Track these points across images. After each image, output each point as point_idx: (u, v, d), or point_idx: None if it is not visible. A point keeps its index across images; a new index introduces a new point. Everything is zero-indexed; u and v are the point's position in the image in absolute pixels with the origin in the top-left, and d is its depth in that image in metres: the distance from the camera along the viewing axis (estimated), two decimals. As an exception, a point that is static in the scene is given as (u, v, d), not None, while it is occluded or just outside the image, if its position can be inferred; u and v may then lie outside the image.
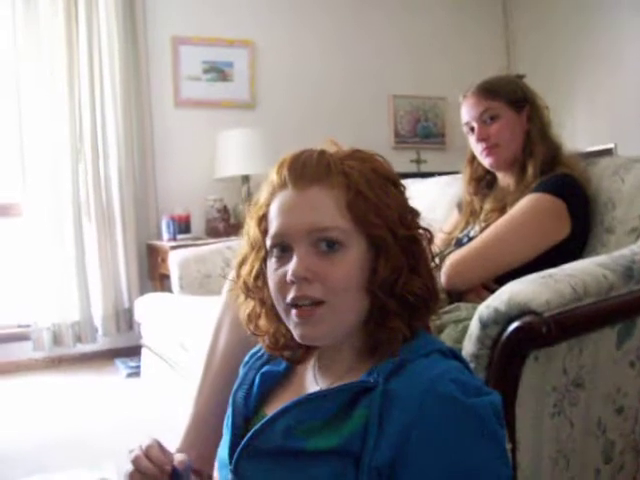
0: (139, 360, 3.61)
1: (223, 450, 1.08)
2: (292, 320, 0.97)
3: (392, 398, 0.88)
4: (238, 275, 1.08)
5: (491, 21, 5.33)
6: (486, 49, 5.16)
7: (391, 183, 1.01)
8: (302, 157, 1.00)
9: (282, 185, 0.99)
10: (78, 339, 4.10)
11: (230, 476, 1.02)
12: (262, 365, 1.14)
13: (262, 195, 1.04)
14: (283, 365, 1.11)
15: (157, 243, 4.15)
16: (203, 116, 4.45)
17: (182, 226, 4.13)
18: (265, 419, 0.99)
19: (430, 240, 1.04)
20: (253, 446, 0.99)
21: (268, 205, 1.02)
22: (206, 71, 4.46)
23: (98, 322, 4.15)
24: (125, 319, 4.18)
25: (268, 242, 1.00)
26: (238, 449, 1.00)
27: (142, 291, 3.95)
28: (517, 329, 1.18)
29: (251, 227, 1.05)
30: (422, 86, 5.05)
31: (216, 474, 1.23)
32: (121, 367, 3.93)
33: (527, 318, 1.18)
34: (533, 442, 1.28)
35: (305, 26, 4.75)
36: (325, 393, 0.97)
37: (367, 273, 0.97)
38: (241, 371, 1.18)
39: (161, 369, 3.13)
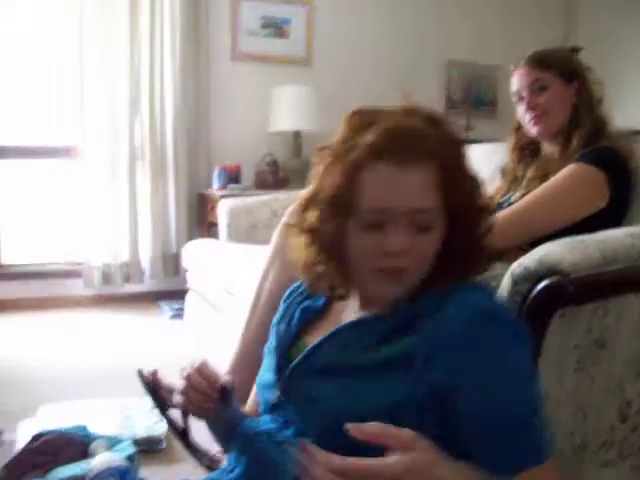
0: (183, 303, 3.76)
1: (266, 374, 1.17)
2: (376, 281, 1.04)
3: (441, 322, 0.97)
4: (301, 217, 1.12)
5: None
6: (545, 19, 5.11)
7: (464, 145, 1.09)
8: (407, 132, 1.01)
9: (383, 155, 0.99)
10: (126, 279, 4.28)
11: (277, 395, 1.11)
12: (302, 300, 1.23)
13: (355, 151, 1.02)
14: (321, 301, 1.20)
15: (207, 192, 4.27)
16: (259, 71, 4.53)
17: (232, 177, 4.24)
18: (322, 338, 1.08)
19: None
20: (307, 364, 1.08)
21: (362, 167, 1.01)
22: (264, 26, 4.53)
23: (146, 264, 4.32)
24: (172, 263, 4.33)
25: (361, 209, 1.01)
26: (290, 368, 1.09)
27: (190, 238, 4.07)
28: (545, 287, 1.26)
29: (336, 179, 1.04)
30: (477, 53, 5.04)
31: (253, 396, 1.33)
32: (165, 309, 4.09)
33: (555, 278, 1.25)
34: (554, 395, 1.37)
35: (364, -14, 4.77)
36: (379, 316, 1.05)
37: (441, 242, 1.05)
38: (281, 306, 1.28)
39: (205, 312, 3.26)
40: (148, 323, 3.88)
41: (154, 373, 1.24)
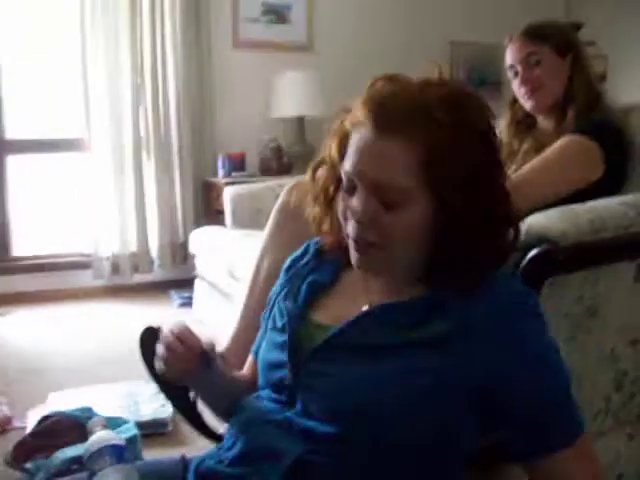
0: (192, 291, 3.78)
1: (272, 352, 1.12)
2: (351, 250, 1.03)
3: (474, 312, 0.97)
4: (314, 176, 1.14)
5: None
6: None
7: (483, 137, 0.99)
8: (390, 99, 0.97)
9: (363, 122, 0.98)
10: (135, 269, 4.31)
11: (287, 376, 1.06)
12: (307, 274, 1.18)
13: (350, 116, 1.02)
14: (328, 275, 1.16)
15: (213, 180, 4.29)
16: (261, 57, 4.53)
17: (237, 164, 4.26)
18: (345, 322, 1.04)
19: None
20: (331, 345, 1.03)
21: (351, 129, 1.01)
22: (264, 13, 4.53)
23: (154, 254, 4.35)
24: (180, 252, 4.36)
25: (343, 172, 1.01)
26: (310, 351, 1.04)
27: (197, 226, 4.08)
28: (534, 256, 1.26)
29: (332, 145, 1.07)
30: (480, 33, 5.01)
31: (248, 364, 1.32)
32: (175, 297, 4.12)
33: (544, 246, 1.26)
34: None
35: (364, -31, 4.75)
36: (399, 304, 1.03)
37: (432, 232, 0.98)
38: (283, 276, 1.25)
39: (213, 299, 3.29)
40: (157, 312, 3.90)
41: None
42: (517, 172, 1.81)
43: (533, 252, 1.27)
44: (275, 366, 1.10)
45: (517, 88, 1.98)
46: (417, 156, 0.94)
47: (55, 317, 3.81)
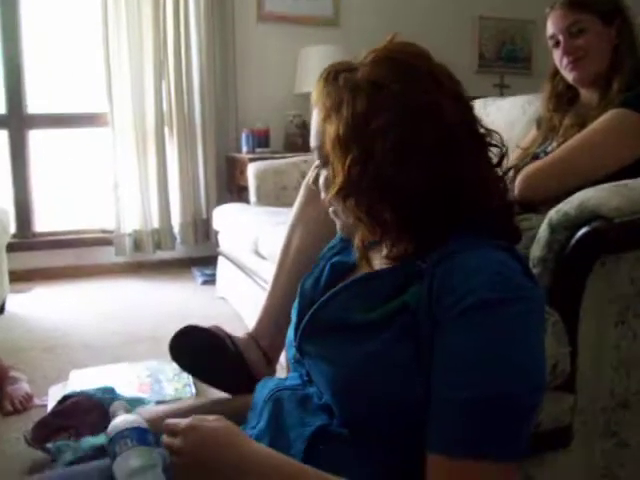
0: (215, 269, 3.74)
1: (290, 330, 1.14)
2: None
3: (440, 282, 0.88)
4: None
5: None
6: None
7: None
8: (326, 70, 1.00)
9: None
10: (157, 246, 4.26)
11: (296, 354, 1.08)
12: (333, 256, 1.18)
13: None
14: (353, 256, 1.13)
15: (236, 155, 4.23)
16: (285, 31, 4.44)
17: (261, 140, 4.19)
18: (325, 296, 1.03)
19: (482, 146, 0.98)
20: (314, 323, 1.04)
21: None
22: (291, -15, 4.43)
23: (177, 230, 4.30)
24: (203, 229, 4.31)
25: None
26: (301, 326, 1.06)
27: (220, 202, 4.02)
28: (585, 234, 1.19)
29: None
30: (509, 8, 4.89)
31: (284, 356, 1.30)
32: (197, 274, 4.07)
33: (596, 223, 1.18)
34: (594, 348, 1.30)
35: (392, -59, 4.64)
36: (379, 273, 1.01)
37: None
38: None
39: (236, 276, 3.23)
40: (180, 289, 3.87)
41: None
42: (559, 148, 1.73)
43: (584, 229, 1.20)
44: (290, 344, 1.12)
45: (559, 59, 1.88)
46: (321, 116, 0.99)
47: (77, 294, 3.78)
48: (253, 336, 1.55)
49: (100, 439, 1.54)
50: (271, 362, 1.55)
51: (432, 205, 0.93)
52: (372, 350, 0.92)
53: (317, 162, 1.05)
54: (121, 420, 1.12)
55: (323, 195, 1.04)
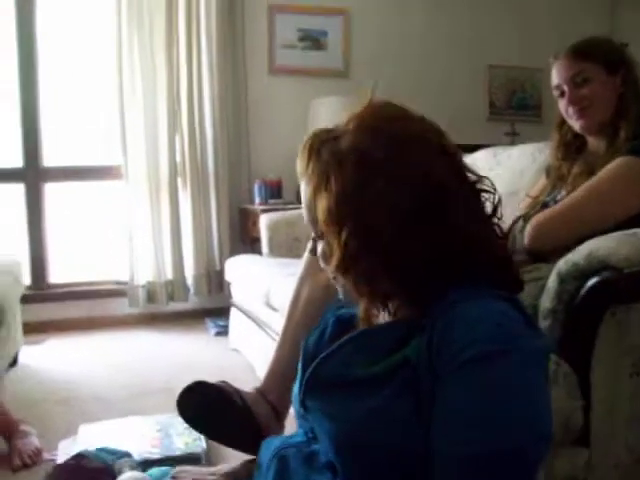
0: (228, 320, 3.72)
1: (296, 385, 1.13)
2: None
3: (440, 334, 0.86)
4: None
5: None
6: (588, 19, 4.97)
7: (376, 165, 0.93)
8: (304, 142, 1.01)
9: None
10: (171, 297, 4.26)
11: (300, 409, 1.07)
12: (338, 309, 1.16)
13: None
14: (358, 308, 1.11)
15: (249, 207, 4.25)
16: (297, 84, 4.50)
17: (274, 191, 4.21)
18: (325, 352, 1.02)
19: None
20: (315, 378, 1.02)
21: None
22: (301, 39, 4.51)
23: (190, 282, 4.29)
24: (216, 280, 4.31)
25: None
26: (303, 382, 1.05)
27: (233, 254, 4.01)
28: (595, 284, 1.17)
29: None
30: (519, 56, 4.93)
31: (292, 410, 1.29)
32: (210, 326, 4.06)
33: (606, 273, 1.17)
34: (608, 402, 1.27)
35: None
36: (380, 328, 1.01)
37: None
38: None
39: (248, 328, 3.22)
40: (193, 340, 3.85)
41: None
42: (568, 196, 1.73)
43: (593, 280, 1.19)
44: (295, 399, 1.11)
45: (564, 108, 1.89)
46: (310, 191, 0.98)
47: (90, 345, 3.77)
48: (261, 390, 1.54)
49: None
50: (280, 416, 1.53)
51: (432, 265, 0.93)
52: (374, 406, 0.90)
53: (312, 234, 1.04)
54: (127, 477, 1.11)
55: (323, 265, 1.04)
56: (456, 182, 0.95)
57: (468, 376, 0.83)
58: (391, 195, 0.91)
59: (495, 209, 1.00)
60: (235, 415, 1.47)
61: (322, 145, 0.97)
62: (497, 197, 1.00)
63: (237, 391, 1.50)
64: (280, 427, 1.56)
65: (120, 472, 1.14)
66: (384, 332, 0.99)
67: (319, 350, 1.09)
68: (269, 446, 1.11)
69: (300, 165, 1.00)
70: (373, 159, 0.92)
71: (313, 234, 1.03)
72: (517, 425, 0.81)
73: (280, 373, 1.56)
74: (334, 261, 0.95)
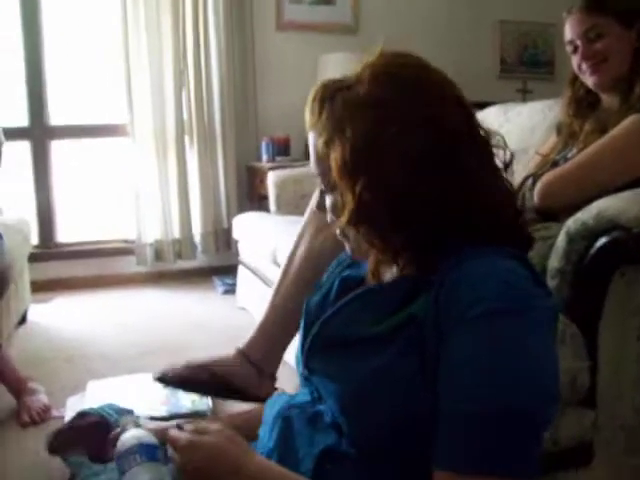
0: (235, 278, 3.72)
1: (298, 349, 1.12)
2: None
3: (447, 292, 0.85)
4: None
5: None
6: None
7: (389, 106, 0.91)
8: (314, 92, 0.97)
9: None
10: (178, 255, 4.26)
11: (304, 372, 1.06)
12: (343, 270, 1.15)
13: None
14: (364, 269, 1.11)
15: (256, 164, 4.22)
16: (305, 40, 4.43)
17: (281, 148, 4.18)
18: (328, 313, 1.01)
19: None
20: (318, 340, 1.02)
21: None
22: (309, -6, 4.42)
23: (197, 240, 4.29)
24: (224, 238, 4.30)
25: None
26: (306, 344, 1.04)
27: (241, 211, 3.98)
28: (604, 244, 1.15)
29: None
30: (530, 11, 4.83)
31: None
32: (218, 284, 4.07)
33: (615, 233, 1.14)
34: (615, 363, 1.26)
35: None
36: (384, 286, 0.99)
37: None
38: (324, 277, 1.20)
39: (256, 286, 3.21)
40: (201, 299, 3.86)
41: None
42: (579, 154, 1.69)
43: (602, 239, 1.16)
44: (298, 361, 1.11)
45: (577, 64, 1.84)
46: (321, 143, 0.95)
47: (97, 304, 3.79)
48: (243, 351, 1.53)
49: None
50: (264, 374, 1.52)
51: (444, 218, 0.91)
52: (377, 365, 0.89)
53: (319, 187, 1.01)
54: (130, 436, 1.11)
55: (330, 220, 1.01)
56: (469, 133, 0.93)
57: (474, 333, 0.82)
58: (406, 141, 0.89)
59: (507, 165, 0.99)
60: (209, 390, 1.47)
61: (335, 94, 0.94)
62: (509, 153, 0.98)
63: (204, 366, 1.49)
64: (269, 386, 1.55)
65: (124, 430, 1.13)
66: (390, 289, 0.97)
67: (322, 311, 1.08)
68: (274, 405, 1.10)
69: (311, 116, 0.97)
70: (389, 105, 0.90)
71: (322, 187, 1.01)
72: (525, 385, 0.80)
73: (268, 332, 1.56)
74: (347, 213, 0.92)
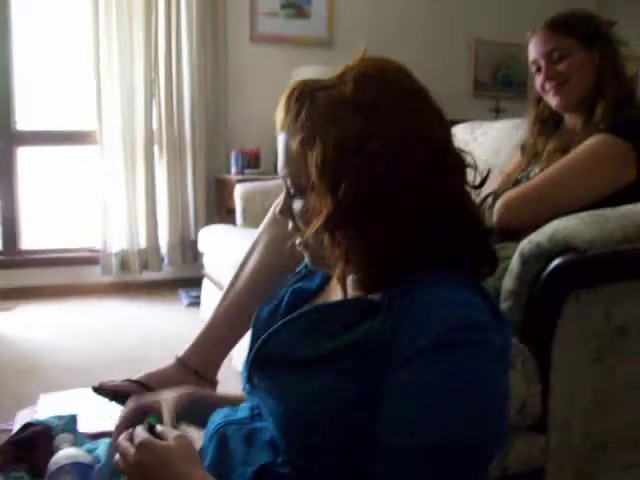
0: (200, 290, 3.67)
1: (245, 360, 1.07)
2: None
3: (395, 320, 0.82)
4: None
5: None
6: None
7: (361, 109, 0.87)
8: (289, 90, 0.93)
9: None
10: (144, 266, 4.20)
11: (246, 386, 1.03)
12: (296, 282, 1.11)
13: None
14: (316, 282, 1.08)
15: (225, 176, 4.18)
16: (278, 52, 4.42)
17: (251, 160, 4.15)
18: (274, 327, 0.97)
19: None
20: (261, 355, 0.98)
21: None
22: (283, 7, 4.41)
23: (164, 251, 4.24)
24: (191, 250, 4.25)
25: None
26: (249, 359, 1.00)
27: (209, 224, 3.95)
28: (557, 267, 1.13)
29: None
30: (504, 32, 4.86)
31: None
32: (183, 296, 4.01)
33: (570, 255, 1.12)
34: (567, 388, 1.24)
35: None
36: (333, 305, 0.95)
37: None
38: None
39: (219, 298, 3.17)
40: (165, 311, 3.81)
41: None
42: (541, 174, 1.68)
43: (556, 261, 1.14)
44: (242, 374, 1.06)
45: (541, 84, 1.83)
46: (296, 144, 0.90)
47: (60, 313, 3.72)
48: (181, 358, 1.51)
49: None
50: (202, 378, 1.49)
51: (423, 228, 0.87)
52: (317, 388, 0.86)
53: (286, 191, 0.96)
54: (64, 454, 1.07)
55: (291, 227, 0.97)
56: (448, 149, 0.91)
57: (423, 362, 0.78)
58: (395, 148, 0.85)
59: (483, 181, 0.96)
60: None
61: (315, 92, 0.90)
62: (488, 169, 0.98)
63: (137, 382, 1.46)
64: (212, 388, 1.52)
65: (58, 448, 1.09)
66: (337, 310, 0.93)
67: (272, 322, 1.04)
68: (213, 420, 1.06)
69: (284, 115, 0.92)
70: (378, 109, 0.87)
71: (290, 191, 0.94)
72: (471, 420, 0.77)
73: (208, 337, 1.53)
74: (322, 217, 0.87)
